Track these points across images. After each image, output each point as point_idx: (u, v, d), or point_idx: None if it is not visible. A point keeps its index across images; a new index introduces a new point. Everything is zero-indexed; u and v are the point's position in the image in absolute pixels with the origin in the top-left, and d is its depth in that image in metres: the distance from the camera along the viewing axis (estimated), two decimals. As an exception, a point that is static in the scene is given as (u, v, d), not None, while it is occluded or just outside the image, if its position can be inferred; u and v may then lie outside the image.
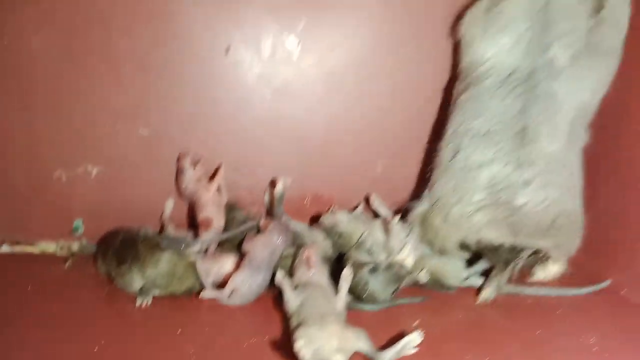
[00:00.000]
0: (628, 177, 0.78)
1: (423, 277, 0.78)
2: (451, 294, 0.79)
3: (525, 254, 0.76)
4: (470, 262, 0.81)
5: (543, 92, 0.73)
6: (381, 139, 0.94)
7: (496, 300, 0.76)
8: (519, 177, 0.73)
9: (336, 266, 0.77)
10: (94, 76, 0.87)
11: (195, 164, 0.89)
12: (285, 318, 0.66)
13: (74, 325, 0.66)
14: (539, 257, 0.79)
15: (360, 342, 0.59)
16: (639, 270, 0.76)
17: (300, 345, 0.56)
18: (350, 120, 0.93)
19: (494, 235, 0.75)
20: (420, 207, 0.82)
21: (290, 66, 0.90)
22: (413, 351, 0.60)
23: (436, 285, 0.80)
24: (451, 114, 0.80)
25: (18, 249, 0.89)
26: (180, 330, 0.66)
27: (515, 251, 0.76)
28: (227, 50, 0.87)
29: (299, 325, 0.61)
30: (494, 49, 0.75)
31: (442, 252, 0.80)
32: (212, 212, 0.84)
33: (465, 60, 0.79)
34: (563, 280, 0.82)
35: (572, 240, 0.78)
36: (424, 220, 0.81)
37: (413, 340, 0.61)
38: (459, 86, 0.80)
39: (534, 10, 0.73)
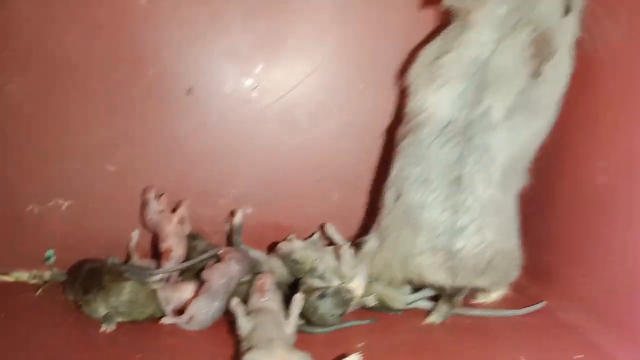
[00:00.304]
0: (559, 208, 0.84)
1: (371, 301, 0.82)
2: (399, 315, 0.83)
3: (467, 289, 0.81)
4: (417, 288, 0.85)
5: (478, 144, 0.75)
6: (335, 171, 0.98)
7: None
8: (455, 223, 0.76)
9: (292, 291, 0.80)
10: (64, 117, 0.91)
11: (158, 197, 0.92)
12: (238, 342, 0.69)
13: (44, 348, 0.70)
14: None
15: None
16: (571, 294, 0.81)
17: None
18: (306, 154, 0.97)
19: (434, 279, 0.79)
20: (369, 244, 0.85)
21: (249, 104, 0.94)
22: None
23: (383, 308, 0.84)
24: (394, 158, 0.83)
25: None
26: (140, 355, 0.69)
27: (456, 290, 0.80)
28: (189, 91, 0.92)
29: (248, 350, 0.64)
30: (433, 99, 0.77)
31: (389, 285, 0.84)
32: (173, 243, 0.87)
33: (409, 106, 0.81)
34: (504, 302, 0.86)
35: (509, 275, 0.82)
36: (373, 258, 0.84)
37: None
38: (401, 130, 0.82)
39: (474, 67, 0.75)
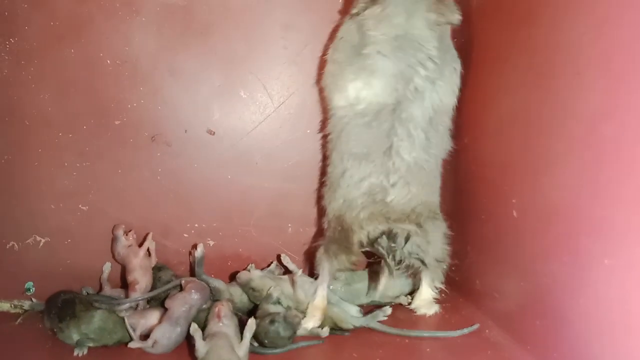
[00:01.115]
0: (485, 238, 0.92)
1: (323, 333, 0.90)
2: (346, 336, 0.90)
3: (400, 240, 0.89)
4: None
5: (404, 117, 0.87)
6: (289, 206, 1.06)
7: (383, 340, 0.87)
8: (388, 182, 0.89)
9: (251, 316, 0.88)
10: (40, 164, 0.97)
11: (127, 233, 0.99)
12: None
13: None
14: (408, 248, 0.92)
15: None
16: (496, 314, 0.89)
17: None
18: (262, 191, 1.05)
19: (373, 226, 0.91)
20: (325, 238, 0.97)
21: (208, 149, 1.02)
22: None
23: (333, 329, 0.91)
24: (334, 146, 0.94)
25: None
26: None
27: (390, 238, 0.89)
28: (153, 138, 1.00)
29: None
30: (367, 91, 0.88)
31: (349, 255, 0.94)
32: (139, 275, 0.94)
33: (339, 103, 0.92)
34: (441, 322, 0.93)
35: (432, 224, 0.93)
36: (329, 243, 0.95)
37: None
38: (337, 122, 0.93)
39: (396, 49, 0.87)
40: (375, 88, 0.88)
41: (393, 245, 0.88)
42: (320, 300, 0.93)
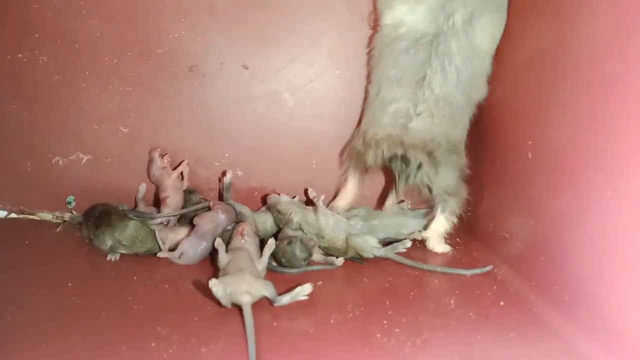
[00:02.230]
0: (504, 183, 0.94)
1: (338, 262, 0.93)
2: (361, 265, 0.94)
3: (413, 166, 0.96)
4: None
5: (442, 50, 0.91)
6: (315, 143, 1.10)
7: (394, 270, 0.91)
8: (415, 110, 0.94)
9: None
10: (86, 86, 1.04)
11: (162, 156, 1.05)
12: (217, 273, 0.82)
13: (60, 269, 0.86)
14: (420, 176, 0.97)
15: (266, 290, 0.74)
16: (505, 254, 0.91)
17: (213, 283, 0.70)
18: (290, 128, 1.09)
19: (386, 146, 0.96)
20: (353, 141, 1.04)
21: (242, 83, 1.07)
22: (305, 298, 0.76)
23: (354, 258, 0.95)
24: (375, 64, 0.99)
25: (23, 216, 1.07)
26: (136, 277, 0.84)
27: (405, 162, 0.96)
28: (192, 68, 1.05)
29: (222, 275, 0.77)
30: (409, 17, 0.92)
31: (364, 170, 1.02)
32: (171, 194, 1.00)
33: (386, 22, 0.96)
34: (453, 262, 0.95)
35: (447, 157, 0.97)
36: (352, 148, 1.03)
37: (305, 289, 0.77)
38: (381, 40, 0.97)
39: None
40: (418, 14, 0.92)
41: (405, 168, 0.94)
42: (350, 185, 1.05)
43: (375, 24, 1.04)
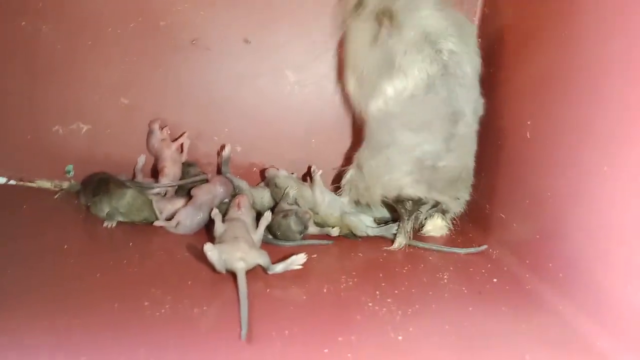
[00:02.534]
0: (502, 164, 0.95)
1: (334, 232, 0.95)
2: (356, 241, 0.96)
3: (425, 208, 0.94)
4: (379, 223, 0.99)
5: (459, 78, 0.90)
6: (314, 122, 1.11)
7: (388, 246, 0.92)
8: (446, 147, 0.91)
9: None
10: (88, 57, 1.04)
11: (162, 128, 1.06)
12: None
13: (57, 235, 0.86)
14: (432, 211, 0.97)
15: (261, 258, 0.76)
16: (500, 234, 0.93)
17: (208, 248, 0.71)
18: (290, 106, 1.10)
19: (413, 191, 0.93)
20: (350, 175, 1.00)
21: (244, 58, 1.07)
22: (299, 267, 0.78)
23: (350, 234, 0.96)
24: (377, 129, 0.96)
25: (22, 183, 1.08)
26: (132, 243, 0.85)
27: (418, 204, 0.94)
28: (194, 41, 1.05)
29: (217, 244, 0.77)
30: (407, 83, 0.91)
31: (368, 205, 0.99)
32: (169, 164, 1.01)
33: (378, 106, 0.94)
34: (450, 243, 0.97)
35: (466, 192, 0.98)
36: (355, 185, 0.99)
37: (299, 258, 0.78)
38: (379, 118, 0.95)
39: (419, 39, 0.90)
40: (415, 74, 0.90)
41: (418, 211, 0.94)
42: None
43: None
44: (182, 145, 1.07)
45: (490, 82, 0.96)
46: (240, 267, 0.72)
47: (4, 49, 1.04)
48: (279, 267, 0.77)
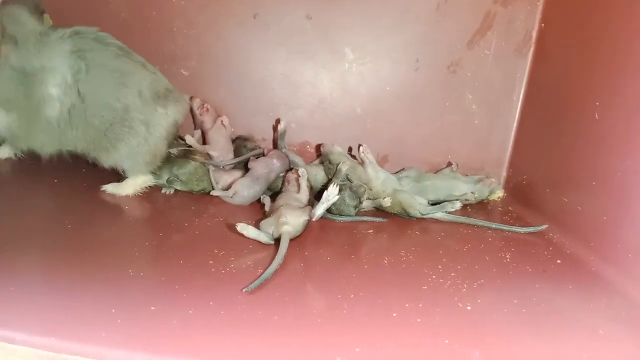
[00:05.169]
0: (568, 147, 0.93)
1: (386, 202, 0.94)
2: (411, 220, 0.95)
3: None
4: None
5: None
6: (371, 101, 1.10)
7: (445, 228, 0.91)
8: None
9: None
10: (151, 28, 1.06)
11: (203, 105, 1.05)
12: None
13: (121, 199, 0.88)
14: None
15: (304, 215, 0.78)
16: (563, 217, 0.90)
17: (240, 227, 0.73)
18: (346, 87, 1.10)
19: None
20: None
21: (303, 35, 1.07)
22: (335, 199, 0.83)
23: (402, 213, 0.95)
24: None
25: None
26: (193, 208, 0.87)
27: None
28: (255, 16, 1.05)
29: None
30: None
31: None
32: (214, 135, 1.01)
33: None
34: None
35: None
36: None
37: (332, 192, 0.83)
38: None
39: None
40: None
41: None
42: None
43: None
44: (222, 121, 1.05)
45: (553, 58, 0.93)
46: (285, 230, 0.73)
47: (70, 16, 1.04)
48: (319, 209, 0.83)
